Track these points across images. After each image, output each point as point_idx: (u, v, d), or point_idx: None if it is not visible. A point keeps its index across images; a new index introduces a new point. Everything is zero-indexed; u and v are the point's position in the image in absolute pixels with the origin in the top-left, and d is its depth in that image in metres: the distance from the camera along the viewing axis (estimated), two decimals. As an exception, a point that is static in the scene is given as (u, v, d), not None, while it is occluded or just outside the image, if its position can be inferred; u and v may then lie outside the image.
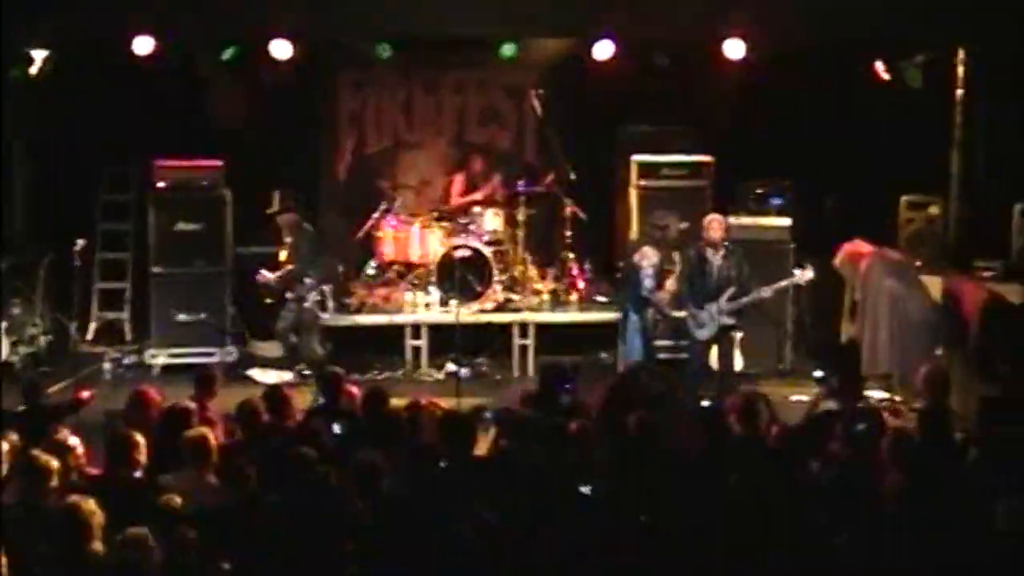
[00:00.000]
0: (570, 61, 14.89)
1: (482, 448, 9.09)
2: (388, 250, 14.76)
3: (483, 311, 14.16)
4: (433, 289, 14.24)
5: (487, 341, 14.14)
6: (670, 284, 12.92)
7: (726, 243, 12.42)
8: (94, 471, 8.39)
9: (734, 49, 13.41)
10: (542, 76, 15.29)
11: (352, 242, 15.04)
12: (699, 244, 12.46)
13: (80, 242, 13.64)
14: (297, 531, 7.32)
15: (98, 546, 6.89)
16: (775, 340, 13.91)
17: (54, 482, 7.67)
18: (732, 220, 13.65)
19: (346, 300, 14.44)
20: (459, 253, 14.04)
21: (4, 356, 13.33)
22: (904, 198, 14.53)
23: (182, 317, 13.79)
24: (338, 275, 14.61)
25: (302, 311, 13.47)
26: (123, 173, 15.18)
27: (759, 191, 14.64)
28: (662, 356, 13.44)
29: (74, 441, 8.50)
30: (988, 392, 10.51)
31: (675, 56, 14.27)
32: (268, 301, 13.52)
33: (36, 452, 7.91)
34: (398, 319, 14.16)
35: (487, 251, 14.22)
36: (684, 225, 13.62)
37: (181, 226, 13.86)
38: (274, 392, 9.77)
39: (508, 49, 14.21)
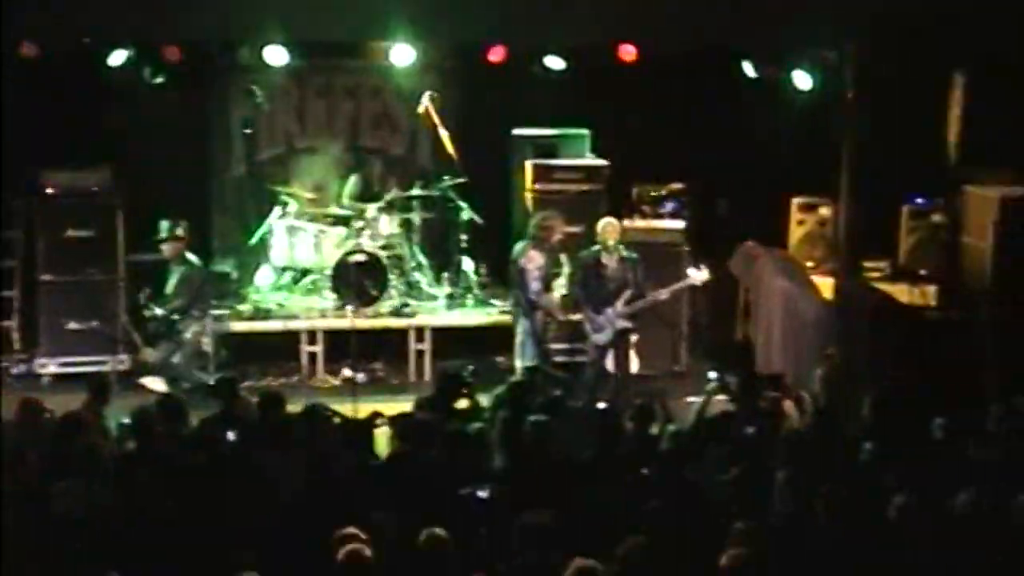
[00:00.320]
0: (464, 65, 14.97)
1: (380, 453, 9.14)
2: (282, 255, 14.73)
3: (379, 316, 14.18)
4: (328, 294, 14.25)
5: (383, 346, 14.17)
6: (559, 286, 12.98)
7: (621, 246, 12.56)
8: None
9: (627, 53, 13.55)
10: (436, 80, 15.34)
11: (246, 248, 14.97)
12: (594, 248, 12.60)
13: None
14: (193, 540, 7.32)
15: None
16: (670, 342, 14.08)
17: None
18: (627, 224, 13.83)
19: (240, 306, 14.39)
20: (354, 258, 14.04)
21: None
22: (795, 200, 14.75)
23: (73, 325, 13.65)
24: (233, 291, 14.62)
25: (183, 343, 13.45)
26: (10, 179, 14.97)
27: (653, 195, 14.80)
28: (558, 360, 13.55)
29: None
30: (878, 391, 10.70)
31: (568, 59, 14.40)
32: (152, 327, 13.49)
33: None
34: (293, 325, 14.13)
35: (383, 255, 14.24)
36: (576, 229, 13.72)
37: (71, 233, 13.72)
38: (168, 400, 9.74)
39: (402, 55, 14.24)
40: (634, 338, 12.85)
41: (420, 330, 14.16)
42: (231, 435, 9.26)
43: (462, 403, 10.35)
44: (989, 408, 9.74)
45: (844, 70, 13.41)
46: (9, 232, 14.79)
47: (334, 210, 15.04)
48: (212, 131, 15.80)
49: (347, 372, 13.40)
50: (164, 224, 13.64)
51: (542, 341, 12.97)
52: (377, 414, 10.20)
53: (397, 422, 9.78)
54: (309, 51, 14.63)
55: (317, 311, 14.26)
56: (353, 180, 15.19)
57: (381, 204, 14.76)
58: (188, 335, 13.48)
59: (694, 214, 14.72)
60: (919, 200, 14.20)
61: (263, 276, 14.89)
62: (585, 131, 15.02)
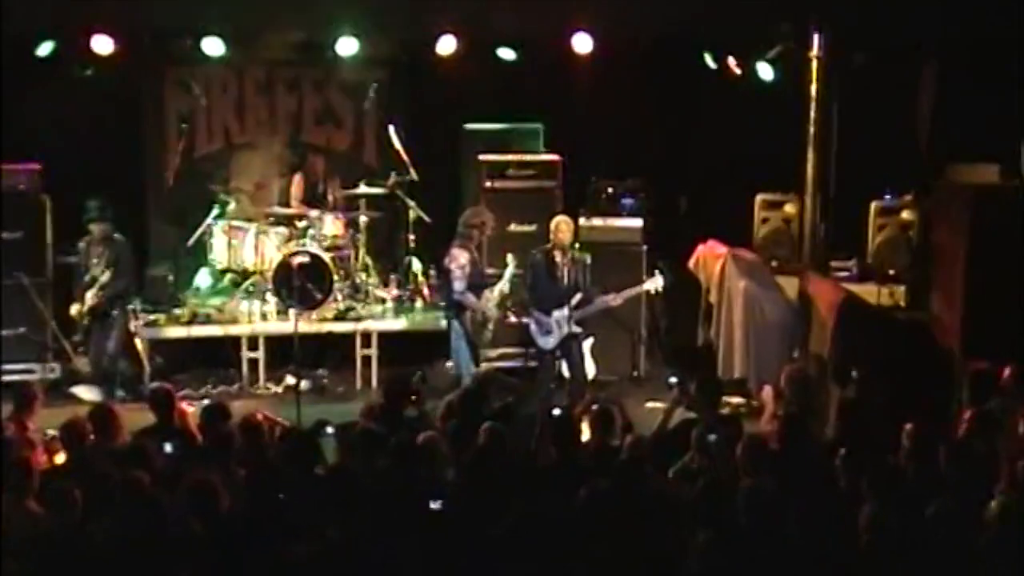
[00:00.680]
0: (412, 57, 14.96)
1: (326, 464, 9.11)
2: (221, 257, 14.68)
3: (323, 320, 14.15)
4: (270, 298, 14.20)
5: (328, 352, 14.15)
6: (502, 287, 12.90)
7: (576, 246, 12.56)
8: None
9: (582, 43, 13.57)
10: (382, 73, 15.32)
11: (183, 249, 14.90)
12: (547, 247, 12.58)
13: None
14: (128, 558, 7.27)
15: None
16: (629, 346, 14.11)
17: None
18: (582, 222, 13.85)
19: (177, 311, 14.31)
20: (297, 259, 13.96)
21: None
22: (759, 197, 14.79)
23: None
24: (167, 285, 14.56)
25: (117, 329, 13.42)
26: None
27: (610, 191, 14.78)
28: (509, 364, 13.56)
29: None
30: (844, 397, 10.76)
31: (522, 50, 14.41)
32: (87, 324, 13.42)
33: None
34: (233, 330, 14.09)
35: (327, 257, 14.20)
36: (530, 227, 13.74)
37: (-3, 234, 13.65)
38: (101, 411, 9.67)
39: (346, 46, 14.21)
40: (590, 342, 12.87)
41: (367, 335, 14.15)
42: (168, 448, 9.20)
43: (411, 411, 10.33)
44: (960, 415, 9.82)
45: (808, 60, 13.48)
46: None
47: (276, 209, 14.98)
48: (146, 127, 15.70)
49: (290, 379, 13.35)
50: (93, 203, 13.54)
51: (473, 343, 12.89)
52: (322, 423, 10.17)
53: (343, 432, 9.75)
54: (248, 42, 14.57)
55: (258, 316, 14.21)
56: (296, 179, 15.14)
57: (325, 203, 14.74)
58: (119, 321, 13.42)
59: (653, 212, 14.73)
60: (887, 196, 14.27)
61: (201, 279, 14.84)
62: (539, 125, 15.05)
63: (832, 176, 14.12)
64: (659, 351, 14.58)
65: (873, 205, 14.19)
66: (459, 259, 12.72)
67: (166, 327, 14.04)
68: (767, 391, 11.95)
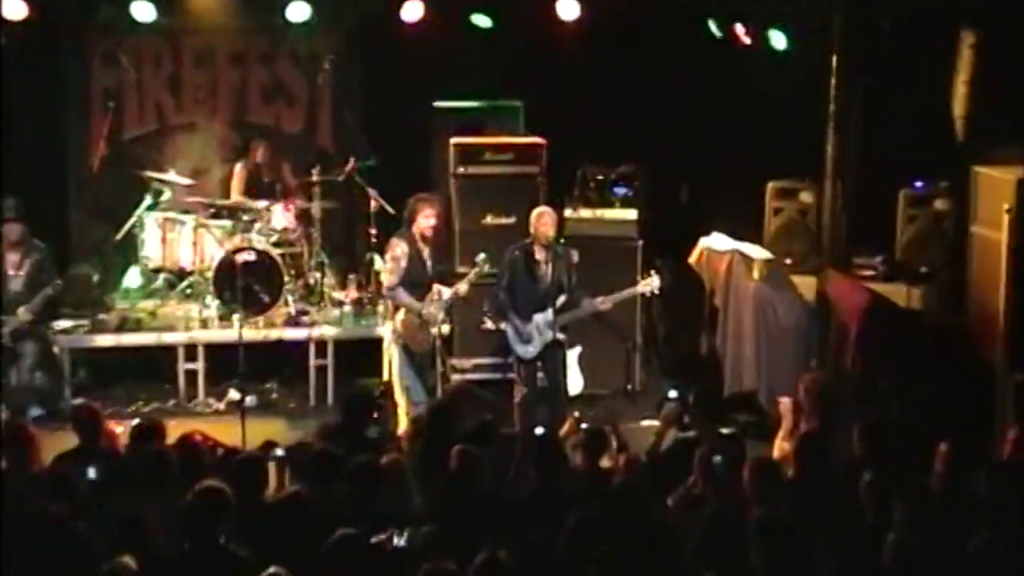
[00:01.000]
0: (375, 25, 14.94)
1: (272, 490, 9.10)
2: (154, 255, 14.65)
3: (272, 327, 14.13)
4: (211, 301, 14.17)
5: (277, 363, 14.12)
6: (459, 287, 12.67)
7: (561, 241, 12.53)
8: None
9: (568, 9, 13.56)
10: (339, 43, 15.31)
11: (110, 246, 14.87)
12: (527, 242, 12.47)
13: None
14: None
15: None
16: (622, 356, 14.11)
17: None
18: (568, 213, 13.85)
19: (103, 316, 14.27)
20: (242, 257, 13.93)
21: None
22: (771, 184, 14.81)
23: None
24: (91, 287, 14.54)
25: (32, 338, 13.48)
26: None
27: (600, 178, 14.78)
28: (484, 376, 13.55)
29: None
30: (865, 410, 10.77)
31: (498, 17, 14.41)
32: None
33: None
34: (168, 338, 14.08)
35: (275, 254, 14.19)
36: (508, 220, 13.75)
37: None
38: (13, 431, 9.63)
39: (298, 11, 14.19)
40: (578, 351, 12.84)
41: (321, 343, 14.14)
42: (92, 473, 9.17)
43: (372, 430, 10.31)
44: (1002, 433, 9.83)
45: (829, 28, 13.49)
46: None
47: (217, 200, 14.96)
48: (68, 105, 15.69)
49: (234, 394, 13.36)
50: (11, 201, 13.52)
51: (408, 348, 12.60)
52: (270, 444, 10.14)
53: (294, 454, 9.72)
54: (184, 5, 14.54)
55: (197, 321, 14.19)
56: (240, 166, 15.12)
57: (274, 192, 14.72)
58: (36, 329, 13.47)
59: (650, 201, 14.75)
60: (918, 184, 14.28)
61: (131, 279, 14.82)
62: (518, 102, 15.05)
63: (854, 161, 14.14)
64: (656, 361, 14.60)
65: (902, 194, 14.20)
66: (393, 250, 12.45)
67: (90, 335, 13.99)
68: (784, 403, 11.92)
